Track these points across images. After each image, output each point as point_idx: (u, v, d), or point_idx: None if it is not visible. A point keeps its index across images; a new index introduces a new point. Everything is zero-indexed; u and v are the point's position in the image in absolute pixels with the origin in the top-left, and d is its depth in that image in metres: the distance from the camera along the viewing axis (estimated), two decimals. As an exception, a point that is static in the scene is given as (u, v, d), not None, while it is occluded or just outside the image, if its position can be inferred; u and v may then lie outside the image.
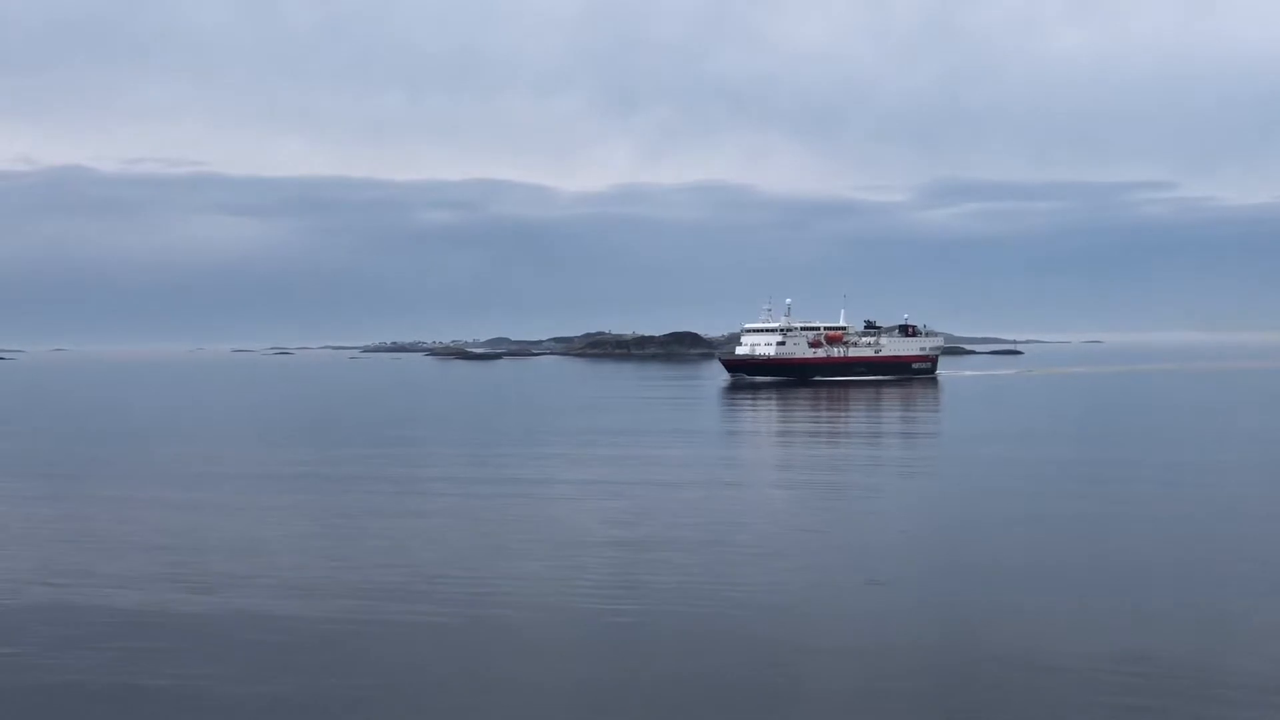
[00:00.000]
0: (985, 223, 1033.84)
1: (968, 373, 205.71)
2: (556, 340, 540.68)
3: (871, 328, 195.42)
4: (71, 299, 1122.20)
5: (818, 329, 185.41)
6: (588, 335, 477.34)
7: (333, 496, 50.04)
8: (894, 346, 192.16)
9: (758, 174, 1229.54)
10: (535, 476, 56.57)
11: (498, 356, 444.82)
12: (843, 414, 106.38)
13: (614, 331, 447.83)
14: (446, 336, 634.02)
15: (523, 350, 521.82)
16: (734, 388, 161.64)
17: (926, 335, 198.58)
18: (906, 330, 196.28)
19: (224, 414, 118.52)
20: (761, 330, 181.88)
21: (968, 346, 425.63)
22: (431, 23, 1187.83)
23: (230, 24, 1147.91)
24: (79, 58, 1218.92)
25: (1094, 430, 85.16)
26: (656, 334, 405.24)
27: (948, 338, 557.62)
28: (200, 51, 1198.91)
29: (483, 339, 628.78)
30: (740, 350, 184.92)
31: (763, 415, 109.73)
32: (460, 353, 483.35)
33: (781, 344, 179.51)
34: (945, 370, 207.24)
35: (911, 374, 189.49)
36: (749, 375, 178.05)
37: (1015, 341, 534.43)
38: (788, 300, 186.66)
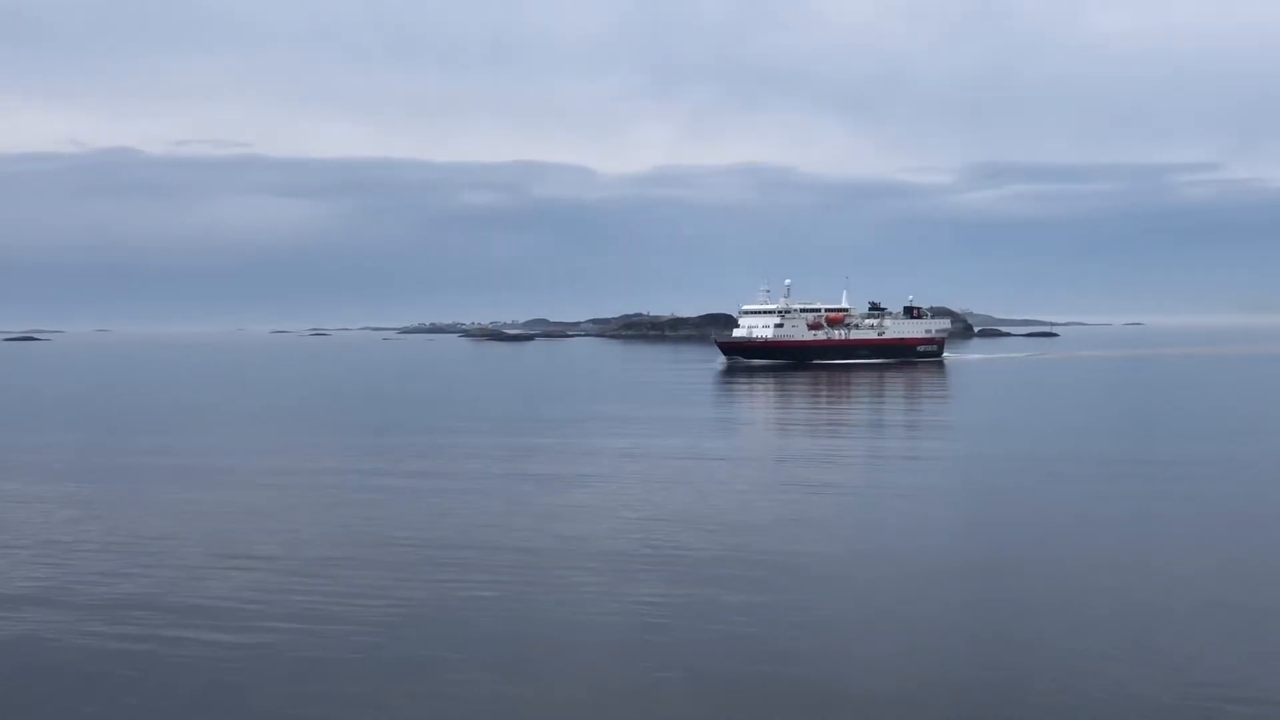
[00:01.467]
0: (1029, 204, 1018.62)
1: (974, 356, 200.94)
2: (594, 322, 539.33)
3: (876, 309, 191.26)
4: (115, 280, 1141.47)
5: (818, 310, 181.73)
6: (624, 317, 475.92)
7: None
8: (898, 329, 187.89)
9: (800, 155, 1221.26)
10: (437, 470, 54.72)
11: (530, 338, 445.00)
12: (840, 401, 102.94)
13: (650, 313, 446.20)
14: (485, 318, 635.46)
15: (558, 332, 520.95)
16: (730, 371, 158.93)
17: (933, 317, 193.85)
18: (911, 312, 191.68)
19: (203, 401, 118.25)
20: (759, 312, 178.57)
21: (1003, 329, 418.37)
22: (474, 3, 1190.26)
23: (275, 6, 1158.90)
24: (126, 40, 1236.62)
25: (1084, 420, 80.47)
26: (694, 315, 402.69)
27: (986, 319, 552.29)
28: (246, 33, 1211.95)
29: (521, 320, 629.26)
30: (737, 332, 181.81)
31: (757, 402, 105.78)
32: (495, 334, 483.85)
33: (779, 326, 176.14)
34: (974, 354, 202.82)
35: (917, 357, 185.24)
36: (745, 358, 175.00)
37: (1054, 324, 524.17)
38: (787, 281, 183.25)
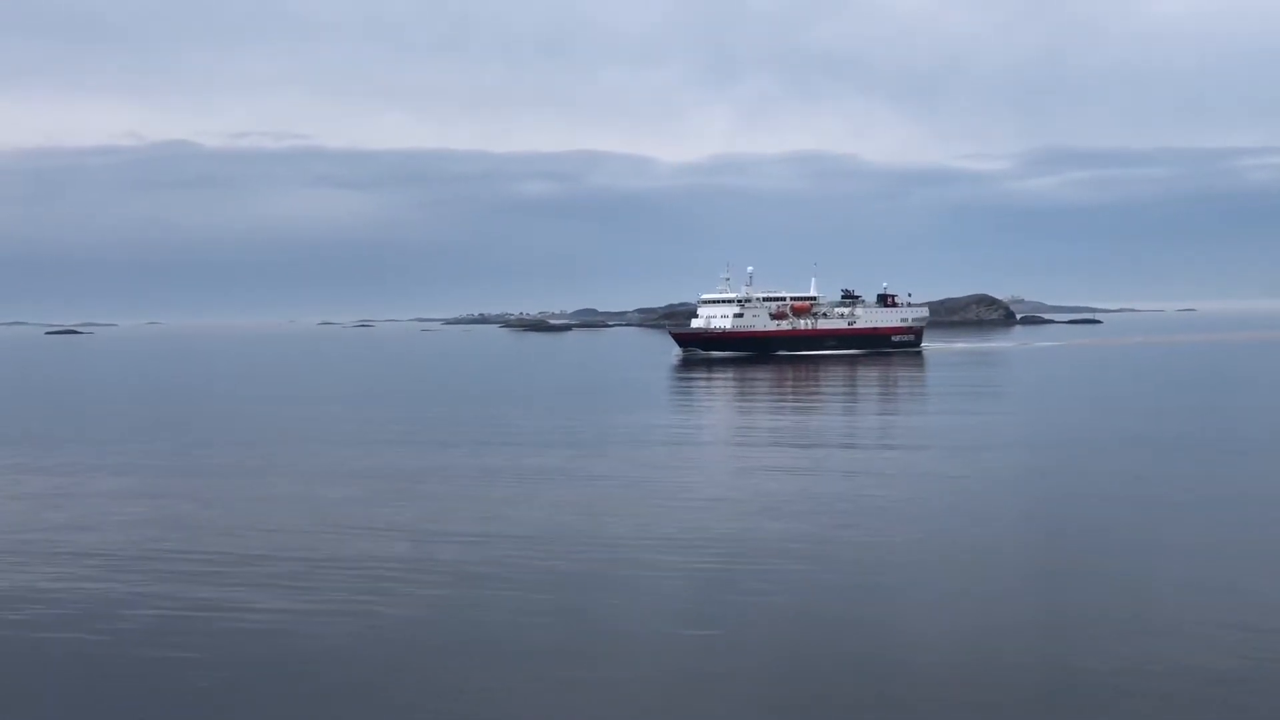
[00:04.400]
0: (1086, 190, 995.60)
1: (959, 345, 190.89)
2: (640, 311, 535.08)
3: (849, 297, 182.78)
4: (170, 272, 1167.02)
5: (783, 299, 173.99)
6: (669, 307, 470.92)
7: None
8: (870, 317, 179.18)
9: (857, 143, 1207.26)
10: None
11: (568, 328, 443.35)
12: (778, 396, 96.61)
13: (693, 303, 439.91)
14: (534, 308, 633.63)
15: (599, 322, 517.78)
16: (686, 363, 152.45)
17: (909, 306, 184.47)
18: (885, 300, 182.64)
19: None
20: (717, 301, 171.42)
21: (1047, 316, 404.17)
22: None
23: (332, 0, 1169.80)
24: (184, 35, 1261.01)
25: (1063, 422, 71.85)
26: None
27: (1036, 306, 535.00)
28: (303, 26, 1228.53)
29: (570, 310, 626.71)
30: (695, 323, 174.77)
31: (711, 395, 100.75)
32: (536, 324, 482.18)
33: (739, 316, 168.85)
34: (1003, 342, 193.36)
35: (891, 348, 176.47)
36: (703, 350, 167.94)
37: (1106, 310, 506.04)
38: (749, 268, 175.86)
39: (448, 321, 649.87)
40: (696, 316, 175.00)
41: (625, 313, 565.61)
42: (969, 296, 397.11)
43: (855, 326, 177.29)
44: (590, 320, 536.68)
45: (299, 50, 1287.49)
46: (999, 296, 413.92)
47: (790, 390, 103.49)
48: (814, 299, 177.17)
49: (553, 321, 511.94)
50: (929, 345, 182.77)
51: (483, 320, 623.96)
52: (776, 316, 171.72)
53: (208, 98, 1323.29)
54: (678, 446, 57.57)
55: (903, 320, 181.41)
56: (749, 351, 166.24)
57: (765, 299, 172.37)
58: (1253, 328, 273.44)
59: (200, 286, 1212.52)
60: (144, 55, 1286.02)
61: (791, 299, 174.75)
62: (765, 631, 24.30)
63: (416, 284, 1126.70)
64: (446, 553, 32.04)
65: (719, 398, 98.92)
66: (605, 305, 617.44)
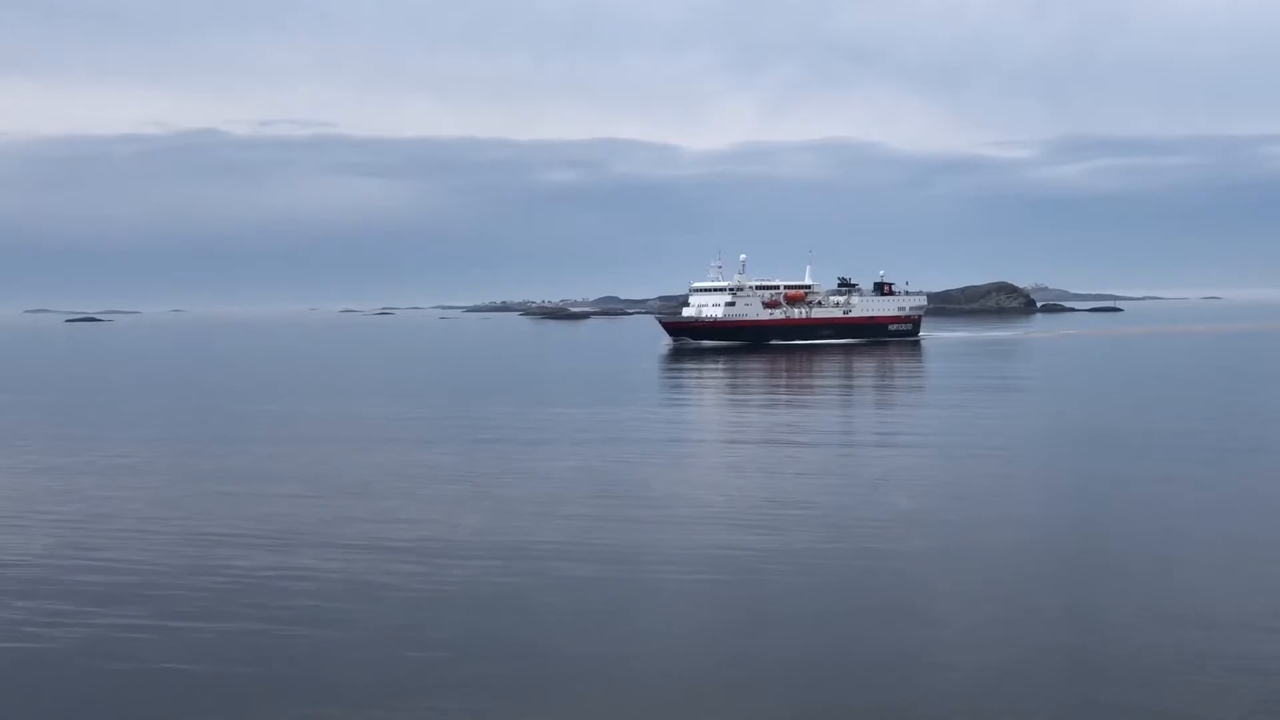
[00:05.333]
0: (1113, 178, 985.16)
1: (959, 334, 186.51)
2: (661, 299, 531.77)
3: (845, 286, 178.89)
4: (195, 260, 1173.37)
5: (776, 288, 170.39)
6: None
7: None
8: (866, 306, 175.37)
9: (882, 131, 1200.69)
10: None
11: (586, 316, 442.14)
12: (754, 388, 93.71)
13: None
14: (557, 295, 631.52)
15: (617, 310, 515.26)
16: (676, 353, 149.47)
17: (906, 294, 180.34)
18: (882, 288, 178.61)
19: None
20: (709, 290, 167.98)
21: (1068, 304, 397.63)
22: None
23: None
24: (211, 23, 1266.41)
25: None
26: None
27: (1059, 294, 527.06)
28: (328, 15, 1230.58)
29: (592, 298, 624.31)
30: (686, 311, 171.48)
31: (690, 387, 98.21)
32: (555, 312, 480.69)
33: (731, 304, 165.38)
34: (1011, 331, 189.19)
35: (888, 336, 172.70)
36: (693, 339, 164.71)
37: (1130, 298, 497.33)
38: (742, 256, 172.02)
39: (469, 309, 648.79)
40: (688, 305, 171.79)
41: (647, 300, 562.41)
42: (989, 284, 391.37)
43: (851, 315, 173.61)
44: (611, 308, 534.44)
45: (324, 39, 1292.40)
46: (1022, 284, 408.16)
47: (776, 382, 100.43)
48: (808, 287, 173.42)
49: (573, 309, 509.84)
50: (930, 334, 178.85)
51: (504, 308, 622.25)
52: (769, 305, 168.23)
53: (233, 86, 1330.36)
54: (615, 444, 54.33)
55: (900, 309, 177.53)
56: (741, 341, 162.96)
57: (758, 287, 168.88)
58: (1276, 317, 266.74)
59: (225, 273, 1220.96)
60: (170, 44, 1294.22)
61: (785, 287, 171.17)
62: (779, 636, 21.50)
63: (440, 271, 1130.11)
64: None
65: (701, 390, 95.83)
66: (627, 293, 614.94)
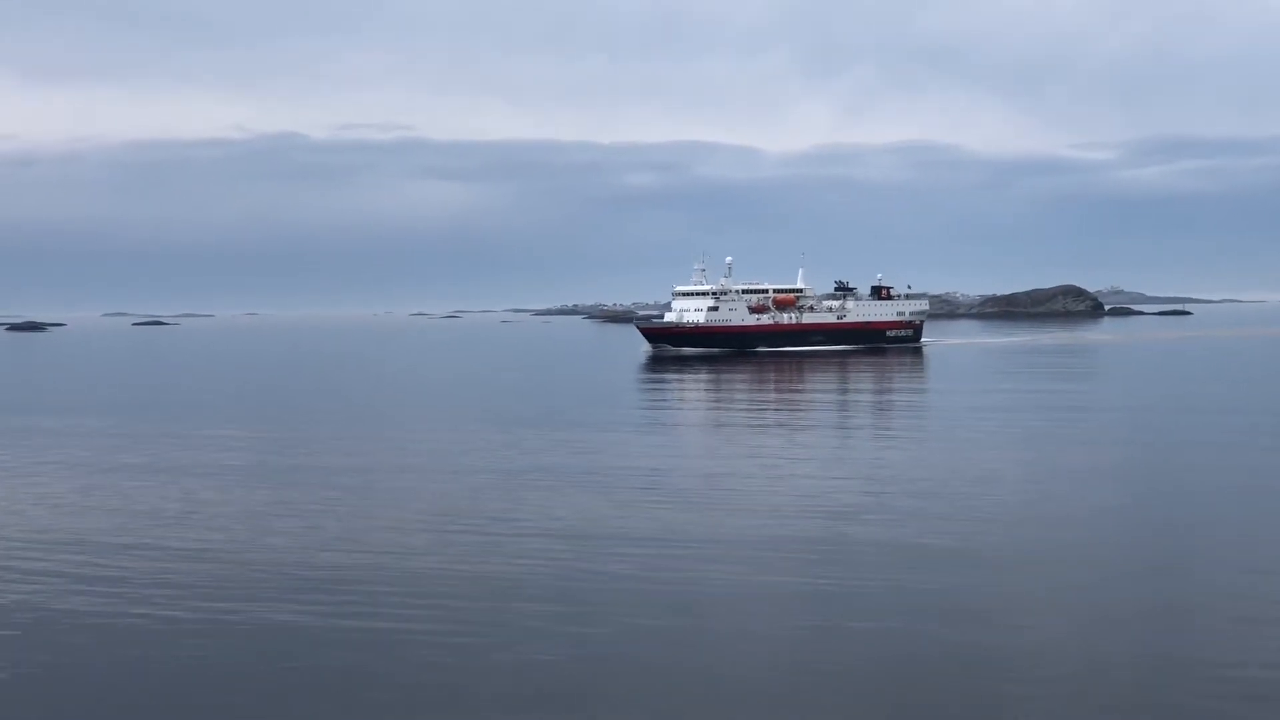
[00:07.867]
0: (1195, 180, 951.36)
1: (958, 340, 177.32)
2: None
3: (842, 289, 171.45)
4: (272, 263, 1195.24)
5: (764, 291, 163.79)
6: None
7: None
8: (862, 311, 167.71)
9: (962, 133, 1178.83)
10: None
11: (650, 319, 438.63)
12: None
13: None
14: (628, 298, 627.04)
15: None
16: (655, 360, 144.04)
17: (906, 298, 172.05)
18: (879, 292, 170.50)
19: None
20: (691, 294, 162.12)
21: (1136, 307, 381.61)
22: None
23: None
24: (291, 28, 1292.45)
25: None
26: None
27: (1132, 297, 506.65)
28: (408, 19, 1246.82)
29: (662, 301, 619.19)
30: (668, 316, 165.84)
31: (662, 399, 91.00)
32: (620, 315, 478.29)
33: (714, 309, 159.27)
34: (1071, 335, 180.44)
35: (886, 342, 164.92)
36: (673, 345, 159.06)
37: (1200, 301, 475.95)
38: (728, 259, 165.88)
39: (537, 313, 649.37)
40: (669, 309, 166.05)
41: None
42: (1055, 288, 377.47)
43: (845, 320, 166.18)
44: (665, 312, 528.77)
45: (404, 43, 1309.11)
46: (1096, 287, 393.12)
47: (748, 392, 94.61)
48: (799, 291, 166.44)
49: (641, 311, 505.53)
50: (939, 340, 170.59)
51: (573, 311, 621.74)
52: (756, 310, 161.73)
53: (313, 90, 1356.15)
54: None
55: (899, 314, 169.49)
56: (724, 348, 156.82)
57: (744, 290, 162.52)
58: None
59: (302, 277, 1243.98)
60: (251, 49, 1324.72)
61: (774, 291, 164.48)
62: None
63: (516, 275, 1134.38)
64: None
65: (666, 403, 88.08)
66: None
